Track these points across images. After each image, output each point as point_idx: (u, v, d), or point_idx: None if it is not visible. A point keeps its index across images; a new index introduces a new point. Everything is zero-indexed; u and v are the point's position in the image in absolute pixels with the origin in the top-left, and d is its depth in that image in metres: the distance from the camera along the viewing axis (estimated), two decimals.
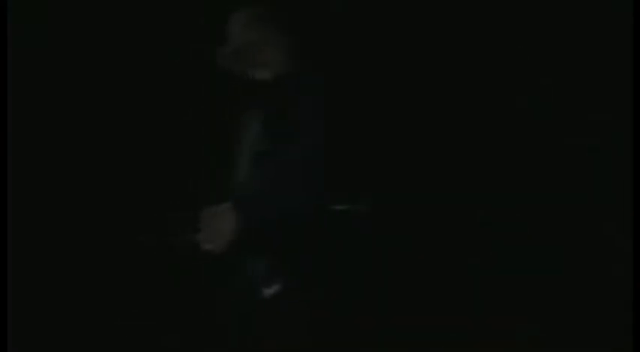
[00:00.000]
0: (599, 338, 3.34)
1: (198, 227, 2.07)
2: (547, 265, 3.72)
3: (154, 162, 3.82)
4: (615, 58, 3.22)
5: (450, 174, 3.74)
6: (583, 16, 3.68)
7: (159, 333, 3.45)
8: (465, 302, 3.62)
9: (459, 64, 3.79)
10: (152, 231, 3.67)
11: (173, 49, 3.80)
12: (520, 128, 3.82)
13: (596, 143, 3.69)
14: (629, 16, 2.88)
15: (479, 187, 3.80)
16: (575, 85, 3.75)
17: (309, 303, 2.11)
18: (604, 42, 3.60)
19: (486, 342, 3.42)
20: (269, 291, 2.13)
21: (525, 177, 3.83)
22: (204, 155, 3.82)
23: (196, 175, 3.83)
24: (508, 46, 3.80)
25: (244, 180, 2.28)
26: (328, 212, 2.15)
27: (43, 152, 3.73)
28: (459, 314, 3.54)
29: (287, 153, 2.11)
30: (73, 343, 3.49)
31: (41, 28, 3.67)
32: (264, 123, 2.29)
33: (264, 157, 2.22)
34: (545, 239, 3.76)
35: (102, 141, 3.79)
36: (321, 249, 2.15)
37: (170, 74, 3.80)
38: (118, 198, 3.78)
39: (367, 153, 2.23)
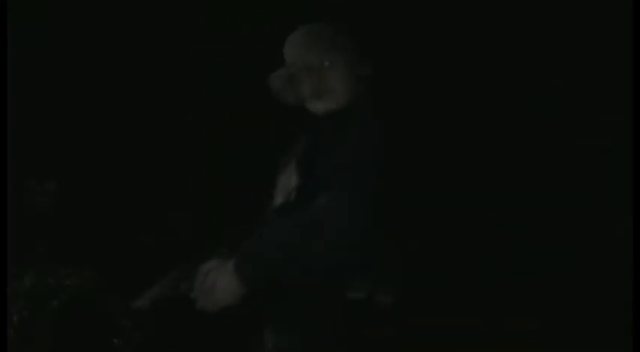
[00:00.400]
0: (613, 338, 3.33)
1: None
2: (558, 266, 3.71)
3: (153, 162, 3.81)
4: (628, 60, 3.21)
5: (461, 175, 3.73)
6: (595, 18, 3.67)
7: None
8: (477, 304, 3.61)
9: (470, 65, 3.78)
10: (152, 231, 3.67)
11: (173, 49, 3.79)
12: (531, 129, 3.82)
13: (608, 144, 3.68)
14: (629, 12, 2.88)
15: (490, 188, 3.79)
16: (587, 86, 3.74)
17: None
18: (617, 43, 3.60)
19: (498, 344, 3.41)
20: None
21: (537, 178, 3.82)
22: (205, 155, 3.82)
23: (196, 175, 3.83)
24: (519, 46, 3.79)
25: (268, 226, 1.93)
26: (342, 301, 1.77)
27: (43, 152, 3.72)
28: (471, 315, 3.54)
29: (308, 208, 1.75)
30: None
31: (41, 28, 3.67)
32: (299, 162, 1.96)
33: (288, 206, 1.90)
34: (556, 240, 3.75)
35: (102, 140, 3.79)
36: (330, 327, 1.79)
37: (170, 74, 3.80)
38: (117, 197, 3.77)
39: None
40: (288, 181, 1.95)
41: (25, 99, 3.55)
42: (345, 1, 3.59)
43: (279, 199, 1.96)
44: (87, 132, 3.79)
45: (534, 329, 3.54)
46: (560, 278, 3.70)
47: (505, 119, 3.83)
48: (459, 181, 3.69)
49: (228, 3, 3.84)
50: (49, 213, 3.69)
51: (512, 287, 3.69)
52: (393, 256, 1.81)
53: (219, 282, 1.76)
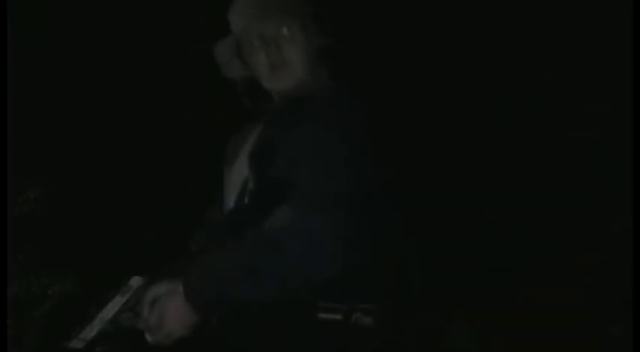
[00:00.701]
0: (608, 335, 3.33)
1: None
2: (555, 264, 3.71)
3: (153, 162, 3.81)
4: (615, 51, 3.22)
5: (452, 171, 3.72)
6: (583, 10, 3.67)
7: None
8: (471, 300, 3.61)
9: (459, 59, 3.78)
10: (149, 232, 3.66)
11: (173, 49, 3.79)
12: (519, 122, 3.82)
13: (596, 136, 3.69)
14: (628, 9, 2.89)
15: (480, 182, 3.79)
16: (575, 79, 3.74)
17: None
18: (603, 35, 3.60)
19: (492, 341, 3.41)
20: None
21: (524, 171, 3.82)
22: (205, 155, 3.81)
23: (196, 176, 3.82)
24: (508, 40, 3.78)
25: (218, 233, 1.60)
26: (312, 321, 1.47)
27: (43, 152, 3.72)
28: (465, 311, 3.54)
29: (268, 218, 1.45)
30: None
31: (41, 28, 3.66)
32: (254, 154, 1.60)
33: (244, 211, 1.57)
34: (552, 238, 3.75)
35: (102, 141, 3.79)
36: None
37: (170, 74, 3.80)
38: (117, 197, 3.77)
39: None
40: (239, 177, 1.63)
41: (25, 99, 3.55)
42: None
43: (230, 201, 1.64)
44: (87, 132, 3.79)
45: (538, 327, 3.54)
46: (557, 277, 3.70)
47: (492, 112, 3.82)
48: (450, 178, 3.69)
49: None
50: (36, 218, 3.68)
51: (514, 284, 3.70)
52: (376, 273, 1.53)
53: (168, 311, 1.48)
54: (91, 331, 1.52)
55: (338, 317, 1.48)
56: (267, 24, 1.62)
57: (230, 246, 1.48)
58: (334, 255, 1.41)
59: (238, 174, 1.64)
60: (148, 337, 1.52)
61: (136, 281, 1.57)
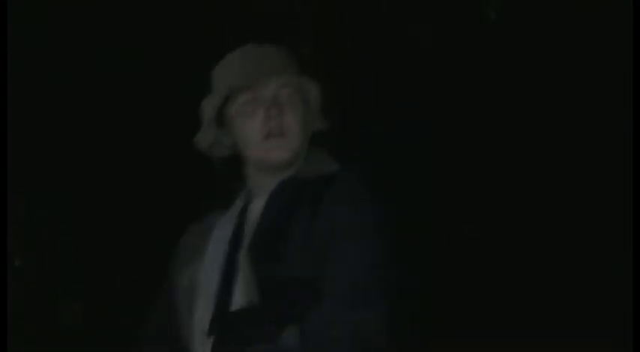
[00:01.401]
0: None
1: None
2: (557, 268, 3.71)
3: (153, 164, 3.80)
4: (615, 57, 3.22)
5: (454, 176, 3.72)
6: (583, 15, 3.67)
7: None
8: (467, 305, 3.61)
9: (461, 66, 3.78)
10: None
11: (173, 50, 3.78)
12: (519, 128, 3.82)
13: (597, 142, 3.69)
14: (628, 13, 2.89)
15: (480, 189, 3.79)
16: (575, 84, 3.74)
17: None
18: (604, 41, 3.60)
19: (490, 343, 3.41)
20: None
21: (523, 178, 3.83)
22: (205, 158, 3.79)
23: (197, 180, 3.81)
24: (508, 49, 3.79)
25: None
26: None
27: (43, 152, 3.72)
28: (462, 315, 3.53)
29: (297, 320, 1.25)
30: None
31: (41, 28, 3.65)
32: (251, 247, 1.32)
33: (255, 320, 1.29)
34: (544, 239, 3.75)
35: (102, 141, 3.78)
36: None
37: (170, 74, 3.78)
38: (117, 199, 3.76)
39: None
40: (213, 275, 1.34)
41: (25, 99, 3.54)
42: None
43: (193, 304, 1.35)
44: (87, 133, 3.76)
45: (536, 330, 3.54)
46: (559, 281, 3.70)
47: (492, 118, 3.81)
48: (450, 182, 3.66)
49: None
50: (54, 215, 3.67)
51: (511, 289, 3.70)
52: None
53: None
54: None
55: None
56: (269, 82, 1.37)
57: None
58: (381, 348, 1.25)
59: (213, 271, 1.35)
60: None
61: None
